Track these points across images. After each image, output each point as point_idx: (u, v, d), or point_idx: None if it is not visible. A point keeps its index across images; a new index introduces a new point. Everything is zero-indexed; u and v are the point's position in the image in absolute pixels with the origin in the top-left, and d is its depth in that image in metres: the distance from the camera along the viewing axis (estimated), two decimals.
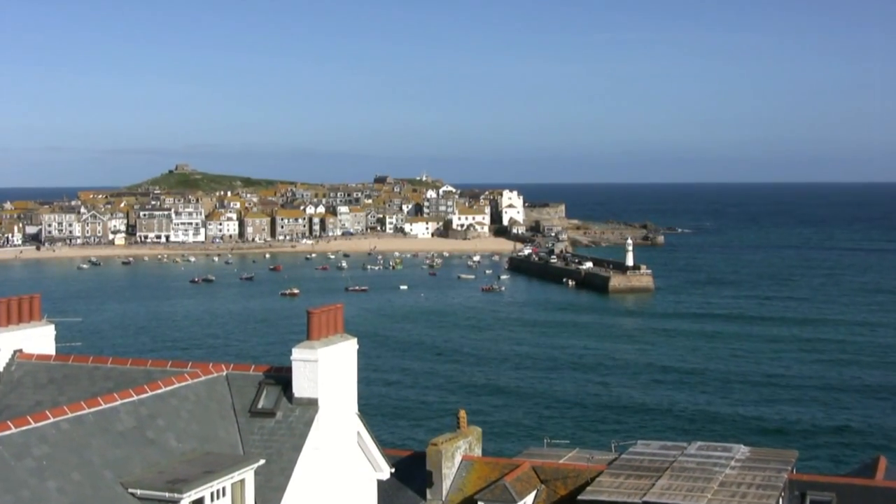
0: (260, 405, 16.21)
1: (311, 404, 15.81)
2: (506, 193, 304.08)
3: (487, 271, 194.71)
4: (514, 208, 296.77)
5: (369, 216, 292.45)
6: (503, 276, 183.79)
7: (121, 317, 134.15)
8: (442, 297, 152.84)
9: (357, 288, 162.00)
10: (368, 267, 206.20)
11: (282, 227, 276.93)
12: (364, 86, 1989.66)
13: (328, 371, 15.99)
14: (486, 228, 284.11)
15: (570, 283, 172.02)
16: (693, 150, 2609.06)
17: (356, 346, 16.89)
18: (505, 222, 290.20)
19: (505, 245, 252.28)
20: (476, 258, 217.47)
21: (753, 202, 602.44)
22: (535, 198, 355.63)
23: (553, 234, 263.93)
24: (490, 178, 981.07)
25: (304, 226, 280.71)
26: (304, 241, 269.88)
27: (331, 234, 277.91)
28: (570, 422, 70.87)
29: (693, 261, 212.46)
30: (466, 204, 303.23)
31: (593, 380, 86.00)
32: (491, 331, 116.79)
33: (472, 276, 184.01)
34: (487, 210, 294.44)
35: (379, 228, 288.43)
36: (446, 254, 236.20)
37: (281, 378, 16.44)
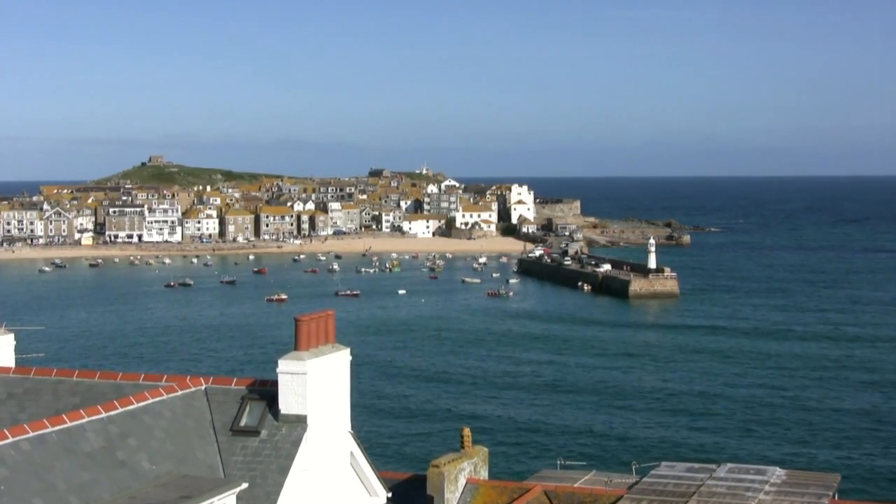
0: (242, 423, 16.18)
1: (300, 422, 15.78)
2: (515, 188, 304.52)
3: (494, 274, 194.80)
4: (523, 205, 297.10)
5: (363, 213, 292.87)
6: (512, 280, 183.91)
7: (88, 325, 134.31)
8: (444, 302, 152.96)
9: (348, 293, 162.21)
10: (363, 270, 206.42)
11: (267, 225, 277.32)
12: (357, 69, 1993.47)
13: (318, 385, 15.96)
14: (492, 227, 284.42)
15: (586, 287, 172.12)
16: (725, 140, 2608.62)
17: (349, 358, 16.87)
18: (514, 220, 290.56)
19: (514, 245, 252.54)
20: (482, 260, 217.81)
21: (792, 197, 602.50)
22: (547, 193, 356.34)
23: (567, 234, 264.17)
24: (497, 171, 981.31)
25: (292, 224, 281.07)
26: (292, 241, 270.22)
27: (321, 233, 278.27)
28: (586, 441, 70.87)
29: (722, 263, 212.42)
30: (471, 200, 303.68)
31: (613, 399, 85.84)
32: (499, 342, 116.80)
33: (478, 280, 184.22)
34: (494, 207, 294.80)
35: (374, 227, 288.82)
36: (449, 255, 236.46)
37: (266, 393, 16.41)
